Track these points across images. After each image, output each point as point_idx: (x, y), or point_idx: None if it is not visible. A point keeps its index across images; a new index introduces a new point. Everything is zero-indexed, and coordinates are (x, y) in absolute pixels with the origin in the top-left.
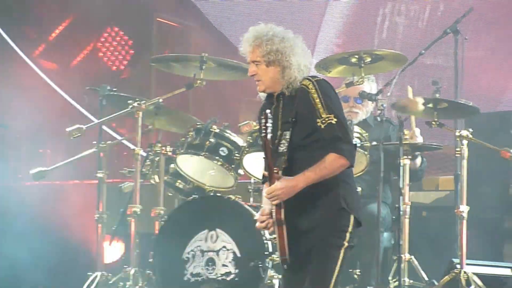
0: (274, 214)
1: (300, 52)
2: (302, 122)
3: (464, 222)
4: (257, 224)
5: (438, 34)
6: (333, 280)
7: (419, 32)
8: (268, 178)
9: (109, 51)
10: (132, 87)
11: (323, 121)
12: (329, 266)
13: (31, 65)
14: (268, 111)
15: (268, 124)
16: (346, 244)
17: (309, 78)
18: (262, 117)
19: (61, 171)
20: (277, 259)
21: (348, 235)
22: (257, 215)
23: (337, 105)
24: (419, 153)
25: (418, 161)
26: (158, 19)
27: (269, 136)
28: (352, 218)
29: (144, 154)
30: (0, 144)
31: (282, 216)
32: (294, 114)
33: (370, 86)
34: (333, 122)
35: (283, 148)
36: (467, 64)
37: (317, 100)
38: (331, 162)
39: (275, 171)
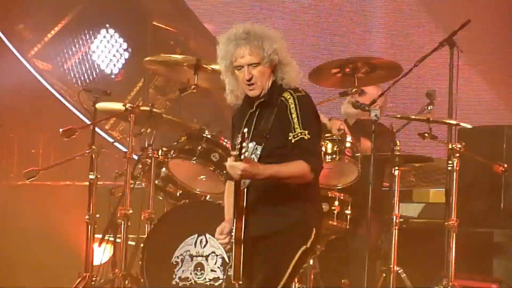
0: (234, 232)
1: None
2: (274, 136)
3: (454, 235)
4: (220, 241)
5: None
6: (286, 276)
7: (414, 42)
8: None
9: (104, 53)
10: (126, 90)
11: (296, 136)
12: (284, 262)
13: (26, 65)
14: (245, 130)
15: (243, 144)
16: (304, 247)
17: (291, 92)
18: (239, 135)
19: (53, 172)
20: None
21: (309, 241)
22: (216, 234)
23: (314, 124)
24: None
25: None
26: (154, 23)
27: (243, 156)
28: (314, 231)
29: (136, 158)
30: None
31: (242, 235)
32: (268, 129)
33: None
34: (305, 137)
35: None
36: (462, 77)
37: (294, 115)
38: (298, 167)
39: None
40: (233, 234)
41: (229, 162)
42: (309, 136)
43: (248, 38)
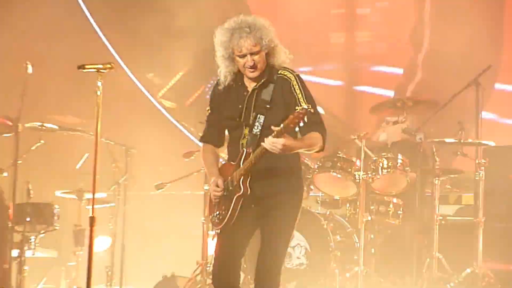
0: (241, 186)
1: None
2: (277, 108)
3: (481, 229)
4: (215, 193)
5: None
6: (292, 234)
7: (443, 80)
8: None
9: None
10: None
11: (302, 109)
12: (291, 223)
13: (156, 105)
14: (305, 107)
15: (301, 124)
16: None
17: (290, 71)
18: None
19: (177, 184)
20: (338, 254)
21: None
22: (213, 186)
23: (313, 99)
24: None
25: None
26: None
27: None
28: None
29: None
30: (132, 163)
31: (248, 190)
32: (269, 100)
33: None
34: (312, 111)
35: (256, 130)
36: (486, 107)
37: (298, 91)
38: (317, 138)
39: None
40: (231, 188)
41: (271, 139)
42: (313, 110)
43: (251, 30)
